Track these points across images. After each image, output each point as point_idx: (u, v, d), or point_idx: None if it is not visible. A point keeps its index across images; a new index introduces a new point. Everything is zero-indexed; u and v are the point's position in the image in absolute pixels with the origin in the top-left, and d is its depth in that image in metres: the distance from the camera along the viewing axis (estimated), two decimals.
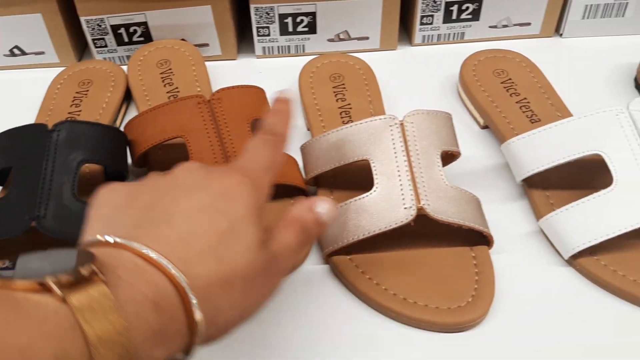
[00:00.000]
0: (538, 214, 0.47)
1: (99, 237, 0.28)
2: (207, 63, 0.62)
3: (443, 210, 0.43)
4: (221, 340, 0.30)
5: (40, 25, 0.61)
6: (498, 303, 0.42)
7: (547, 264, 0.45)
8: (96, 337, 0.23)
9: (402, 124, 0.45)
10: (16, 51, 0.63)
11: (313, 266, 0.45)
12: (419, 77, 0.63)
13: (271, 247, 0.31)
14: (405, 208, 0.42)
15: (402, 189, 0.43)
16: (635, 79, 0.60)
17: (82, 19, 0.60)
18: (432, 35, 0.65)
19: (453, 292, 0.42)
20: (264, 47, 0.64)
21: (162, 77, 0.58)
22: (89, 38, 0.62)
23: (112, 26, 0.61)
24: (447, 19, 0.64)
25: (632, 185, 0.43)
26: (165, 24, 0.61)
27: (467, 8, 0.63)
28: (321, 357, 0.40)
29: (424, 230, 0.44)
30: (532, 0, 0.63)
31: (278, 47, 0.64)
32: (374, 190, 0.44)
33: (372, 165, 0.44)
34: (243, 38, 0.67)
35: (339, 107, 0.55)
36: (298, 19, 0.62)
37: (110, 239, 0.28)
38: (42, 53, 0.63)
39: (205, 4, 0.60)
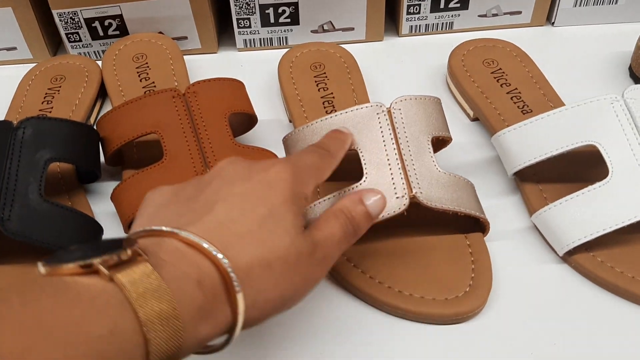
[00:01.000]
0: (531, 209, 0.45)
1: (140, 229, 0.29)
2: (186, 57, 0.60)
3: (436, 198, 0.41)
4: (263, 323, 0.31)
5: (12, 20, 0.58)
6: (494, 293, 0.41)
7: (542, 261, 0.43)
8: (150, 314, 0.24)
9: (389, 111, 0.43)
10: None
11: None
12: (406, 68, 0.61)
13: (314, 235, 0.32)
14: (397, 197, 0.40)
15: (392, 178, 0.41)
16: (630, 67, 0.58)
17: (55, 12, 0.58)
18: (420, 25, 0.63)
19: (449, 282, 0.40)
20: (245, 40, 0.62)
21: (138, 72, 0.56)
22: (62, 32, 0.60)
23: (85, 19, 0.59)
24: (435, 8, 0.62)
25: (628, 176, 0.41)
26: (141, 17, 0.59)
27: None
28: (315, 355, 0.38)
29: (416, 219, 0.42)
30: None
31: (260, 39, 0.62)
32: (364, 180, 0.41)
33: (360, 154, 0.42)
34: (224, 31, 0.65)
35: (322, 97, 0.53)
36: (280, 10, 0.59)
37: (152, 228, 0.29)
38: (14, 49, 0.60)
39: None
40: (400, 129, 0.42)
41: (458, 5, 0.62)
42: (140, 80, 0.55)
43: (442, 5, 0.62)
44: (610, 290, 0.41)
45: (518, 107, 0.52)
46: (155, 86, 0.55)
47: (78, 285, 0.24)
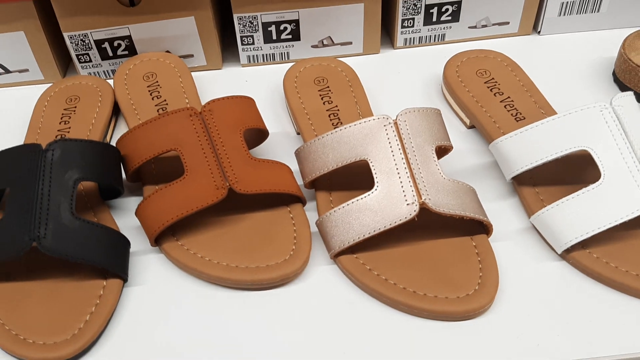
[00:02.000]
0: (529, 211, 0.48)
1: None
2: (192, 74, 0.63)
3: (444, 203, 0.44)
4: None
5: (23, 43, 0.60)
6: (501, 290, 0.44)
7: (542, 259, 0.46)
8: None
9: (395, 123, 0.46)
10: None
11: (320, 267, 0.46)
12: (402, 79, 0.64)
13: None
14: (407, 204, 0.43)
15: (402, 186, 0.44)
16: (614, 73, 0.62)
17: (66, 35, 0.60)
18: (414, 37, 0.66)
19: (459, 281, 0.43)
20: (248, 56, 0.65)
21: (149, 90, 0.58)
22: (73, 54, 0.62)
23: (95, 41, 0.61)
24: (428, 21, 0.65)
25: (619, 178, 0.44)
26: (149, 37, 0.61)
27: (447, 10, 0.64)
28: (338, 355, 0.41)
29: (424, 223, 0.45)
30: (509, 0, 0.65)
31: (262, 55, 0.65)
32: (375, 189, 0.44)
33: (370, 164, 0.45)
34: (227, 47, 0.67)
35: (327, 110, 0.56)
36: (281, 27, 0.62)
37: None
38: (26, 71, 0.63)
39: (188, 15, 0.60)
40: (406, 139, 0.46)
41: (449, 18, 0.65)
42: (152, 99, 0.58)
43: (434, 19, 0.65)
44: (607, 284, 0.44)
45: (512, 114, 0.55)
46: (167, 103, 0.57)
47: None
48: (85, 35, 0.60)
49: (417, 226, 0.45)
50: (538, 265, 0.46)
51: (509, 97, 0.57)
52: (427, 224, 0.46)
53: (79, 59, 0.62)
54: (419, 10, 0.64)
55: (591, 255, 0.45)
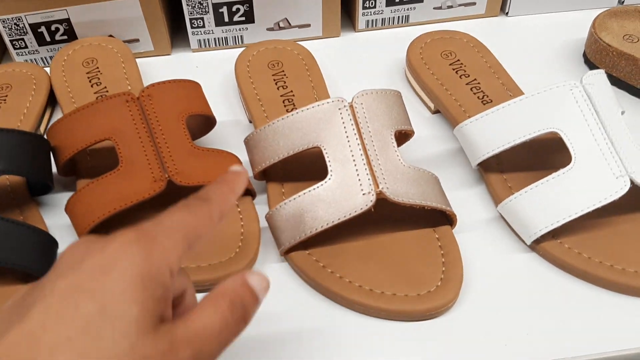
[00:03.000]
0: (496, 199, 0.45)
1: None
2: (138, 60, 0.58)
3: (403, 192, 0.40)
4: None
5: None
6: (466, 285, 0.40)
7: (510, 250, 0.43)
8: None
9: (351, 106, 0.42)
10: None
11: (270, 265, 0.42)
12: (364, 63, 0.60)
13: (177, 330, 0.25)
14: (363, 194, 0.40)
15: (358, 174, 0.40)
16: (584, 54, 0.59)
17: None
18: (376, 19, 0.63)
19: (421, 277, 0.40)
20: (199, 40, 0.60)
21: (89, 77, 0.54)
22: (7, 39, 0.57)
23: (31, 25, 0.56)
24: (391, 2, 0.61)
25: (591, 161, 0.41)
26: (90, 20, 0.57)
27: None
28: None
29: (382, 215, 0.42)
30: None
31: (214, 39, 0.60)
32: (329, 178, 0.41)
33: (324, 151, 0.41)
34: (177, 32, 0.63)
35: (281, 96, 0.52)
36: (234, 8, 0.58)
37: None
38: None
39: None
40: (363, 123, 0.42)
41: None
42: (92, 86, 0.53)
43: None
44: (579, 277, 0.41)
45: (478, 97, 0.52)
46: (107, 91, 0.53)
47: None
48: (19, 19, 0.56)
49: (375, 218, 0.41)
50: (506, 258, 0.42)
51: (475, 80, 0.53)
52: (387, 216, 0.42)
53: (13, 45, 0.57)
54: None
55: (562, 245, 0.41)
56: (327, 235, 0.41)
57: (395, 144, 0.42)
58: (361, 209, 0.39)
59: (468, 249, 0.42)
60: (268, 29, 0.60)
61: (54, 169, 0.45)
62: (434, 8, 0.63)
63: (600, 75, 0.44)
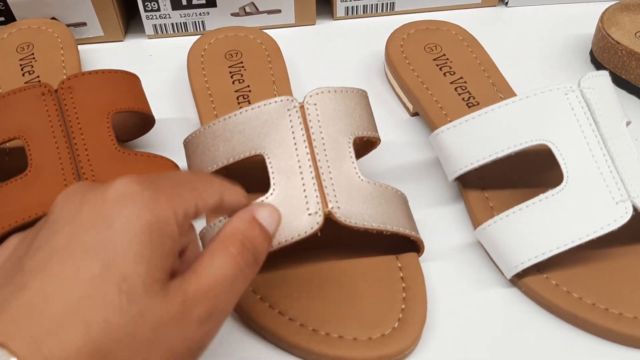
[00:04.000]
0: (475, 221, 0.38)
1: None
2: (85, 46, 0.52)
3: (357, 213, 0.33)
4: None
5: None
6: (430, 327, 0.34)
7: (486, 284, 0.36)
8: None
9: (302, 107, 0.35)
10: None
11: None
12: (340, 56, 0.53)
13: (187, 286, 0.23)
14: (309, 214, 0.33)
15: (305, 190, 0.33)
16: (591, 52, 0.51)
17: None
18: (357, 6, 0.56)
19: (374, 316, 0.33)
20: (154, 25, 0.54)
21: (21, 65, 0.48)
22: None
23: None
24: None
25: (586, 183, 0.34)
26: (29, 0, 0.50)
27: None
28: None
29: (335, 238, 0.35)
30: None
31: (172, 24, 0.54)
32: (270, 194, 0.34)
33: (267, 161, 0.35)
34: (133, 16, 0.57)
35: (236, 91, 0.45)
36: None
37: None
38: None
39: None
40: (315, 128, 0.35)
41: None
42: (23, 75, 0.47)
43: None
44: (567, 320, 0.34)
45: (463, 99, 0.45)
46: (39, 81, 0.46)
47: None
48: None
49: (325, 242, 0.35)
50: (481, 294, 0.35)
51: (461, 78, 0.46)
52: (341, 239, 0.36)
53: None
54: None
55: (548, 281, 0.34)
56: (266, 261, 0.34)
57: (352, 153, 0.35)
58: (305, 232, 0.33)
59: (436, 282, 0.36)
60: (233, 14, 0.54)
61: None
62: None
63: (602, 77, 0.37)
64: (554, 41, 0.54)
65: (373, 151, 0.40)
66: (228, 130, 0.36)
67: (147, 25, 0.54)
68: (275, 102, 0.35)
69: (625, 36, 0.49)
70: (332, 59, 0.53)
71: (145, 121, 0.43)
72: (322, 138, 0.35)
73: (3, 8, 0.51)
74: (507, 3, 0.58)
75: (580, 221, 0.33)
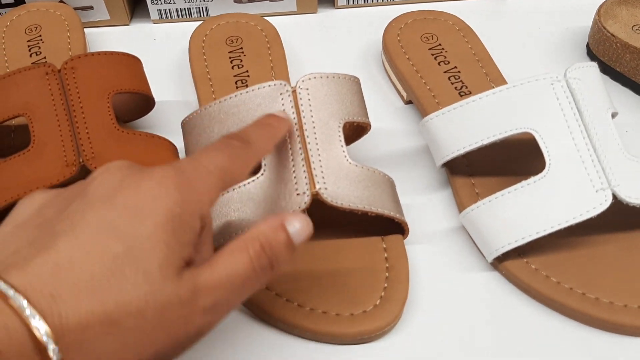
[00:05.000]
0: (461, 207, 0.39)
1: None
2: (92, 30, 0.54)
3: (344, 195, 0.34)
4: None
5: None
6: (411, 306, 0.35)
7: (468, 268, 0.37)
8: None
9: (294, 91, 0.36)
10: None
11: None
12: (339, 44, 0.54)
13: (200, 275, 0.25)
14: (297, 194, 0.34)
15: (294, 171, 0.35)
16: (587, 45, 0.52)
17: None
18: None
19: (357, 293, 0.34)
20: (159, 10, 0.55)
21: (29, 46, 0.49)
22: None
23: None
24: None
25: (567, 170, 0.35)
26: None
27: None
28: None
29: (324, 219, 0.36)
30: None
31: (177, 9, 0.55)
32: (261, 174, 0.35)
33: None
34: (138, 1, 0.58)
35: (235, 76, 0.47)
36: None
37: None
38: None
39: None
40: (306, 112, 0.36)
41: None
42: (31, 55, 0.48)
43: None
44: (545, 304, 0.35)
45: (455, 88, 0.45)
46: (46, 62, 0.48)
47: None
48: None
49: (316, 223, 0.36)
50: (462, 276, 0.37)
51: (455, 67, 0.47)
52: (330, 220, 0.37)
53: None
54: None
55: (528, 266, 0.35)
56: None
57: (342, 137, 0.37)
58: (292, 212, 0.34)
59: (419, 264, 0.37)
60: (236, 1, 0.55)
61: None
62: None
63: (589, 69, 0.38)
64: (551, 34, 0.55)
65: (365, 137, 0.41)
66: (223, 112, 0.37)
67: (152, 10, 0.55)
68: (269, 85, 0.36)
69: (622, 29, 0.50)
70: (332, 46, 0.54)
71: (145, 102, 0.44)
72: (313, 122, 0.36)
73: None
74: None
75: (561, 208, 0.34)
